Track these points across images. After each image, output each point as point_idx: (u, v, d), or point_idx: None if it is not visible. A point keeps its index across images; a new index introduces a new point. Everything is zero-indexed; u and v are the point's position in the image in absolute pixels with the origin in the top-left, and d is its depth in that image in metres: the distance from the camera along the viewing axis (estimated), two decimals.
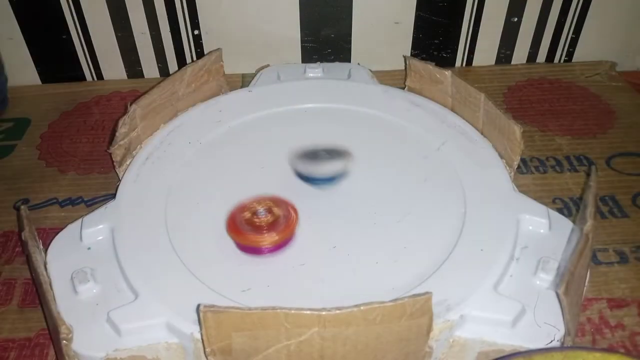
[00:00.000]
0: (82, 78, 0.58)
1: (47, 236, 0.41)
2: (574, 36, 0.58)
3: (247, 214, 0.38)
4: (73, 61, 0.57)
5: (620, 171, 0.47)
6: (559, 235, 0.38)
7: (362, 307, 0.29)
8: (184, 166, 0.44)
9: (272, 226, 0.37)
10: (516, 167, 0.43)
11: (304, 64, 0.54)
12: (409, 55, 0.58)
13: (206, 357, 0.30)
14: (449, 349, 0.33)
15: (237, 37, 0.56)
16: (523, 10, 0.56)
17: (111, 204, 0.41)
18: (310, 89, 0.51)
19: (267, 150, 0.45)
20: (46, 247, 0.38)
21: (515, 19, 0.56)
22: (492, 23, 0.56)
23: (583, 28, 0.57)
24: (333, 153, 0.43)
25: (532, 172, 0.47)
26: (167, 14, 0.54)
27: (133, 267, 0.36)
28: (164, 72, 0.58)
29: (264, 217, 0.38)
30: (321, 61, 0.57)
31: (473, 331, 0.33)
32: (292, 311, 0.29)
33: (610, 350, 0.34)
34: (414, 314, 0.30)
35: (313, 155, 0.42)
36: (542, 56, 0.59)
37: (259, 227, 0.37)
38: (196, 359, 0.33)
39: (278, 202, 0.39)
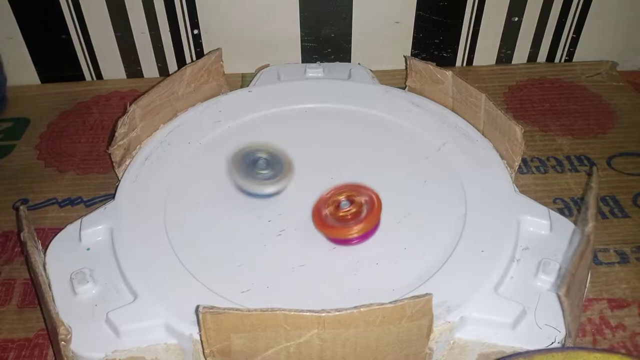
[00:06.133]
0: (82, 78, 0.58)
1: (47, 236, 0.41)
2: (574, 36, 0.58)
3: (331, 208, 0.38)
4: (72, 61, 0.57)
5: (621, 171, 0.47)
6: (560, 237, 0.38)
7: (361, 309, 0.29)
8: (184, 166, 0.44)
9: (356, 215, 0.37)
10: (517, 168, 0.43)
11: (304, 64, 0.54)
12: (409, 54, 0.58)
13: (205, 358, 0.30)
14: (449, 351, 0.33)
15: (237, 37, 0.56)
16: (524, 10, 0.56)
17: (110, 205, 0.40)
18: (311, 89, 0.51)
19: None
20: (45, 247, 0.38)
21: (516, 19, 0.56)
22: (493, 22, 0.56)
23: (584, 28, 0.57)
24: (273, 162, 0.41)
25: (533, 172, 0.47)
26: (167, 13, 0.54)
27: (132, 268, 0.36)
28: (164, 71, 0.58)
29: (347, 209, 0.38)
30: (321, 61, 0.57)
31: (473, 333, 0.33)
32: (292, 312, 0.29)
33: (611, 350, 0.34)
34: (414, 315, 0.29)
35: (252, 163, 0.41)
36: (542, 56, 0.59)
37: (344, 219, 0.38)
38: None
39: (358, 189, 0.39)
